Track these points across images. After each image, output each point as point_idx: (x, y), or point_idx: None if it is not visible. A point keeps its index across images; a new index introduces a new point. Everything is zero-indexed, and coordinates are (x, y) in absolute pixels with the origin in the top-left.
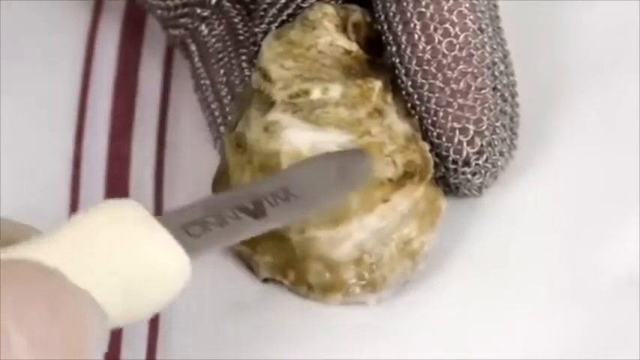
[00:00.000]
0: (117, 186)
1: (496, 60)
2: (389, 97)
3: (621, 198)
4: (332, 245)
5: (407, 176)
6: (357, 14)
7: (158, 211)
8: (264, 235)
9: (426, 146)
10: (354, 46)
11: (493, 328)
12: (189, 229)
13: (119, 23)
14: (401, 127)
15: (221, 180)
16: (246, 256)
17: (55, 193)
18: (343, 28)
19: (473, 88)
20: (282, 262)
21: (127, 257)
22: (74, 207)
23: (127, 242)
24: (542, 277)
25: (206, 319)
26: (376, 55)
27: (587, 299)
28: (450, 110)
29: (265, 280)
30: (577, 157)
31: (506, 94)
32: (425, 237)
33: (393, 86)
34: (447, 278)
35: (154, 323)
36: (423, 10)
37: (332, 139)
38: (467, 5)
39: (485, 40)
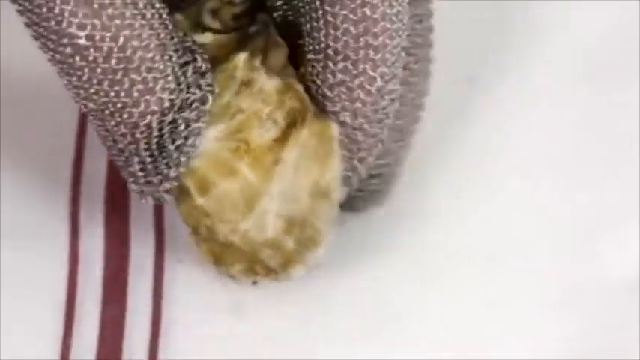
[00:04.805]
0: (117, 183)
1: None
2: (257, 62)
3: (621, 199)
4: (260, 228)
5: (290, 126)
6: (211, 2)
7: (159, 212)
8: (221, 245)
9: (299, 86)
10: (209, 38)
11: (492, 330)
12: None
13: None
14: (271, 84)
15: None
16: (224, 271)
17: (55, 192)
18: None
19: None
20: (246, 263)
21: None
22: (75, 206)
23: None
24: (542, 278)
25: (208, 320)
26: (248, 26)
27: (587, 300)
28: None
29: (254, 283)
30: (576, 158)
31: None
32: (328, 173)
33: (269, 44)
34: (444, 278)
35: (155, 323)
36: None
37: (209, 138)
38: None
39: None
